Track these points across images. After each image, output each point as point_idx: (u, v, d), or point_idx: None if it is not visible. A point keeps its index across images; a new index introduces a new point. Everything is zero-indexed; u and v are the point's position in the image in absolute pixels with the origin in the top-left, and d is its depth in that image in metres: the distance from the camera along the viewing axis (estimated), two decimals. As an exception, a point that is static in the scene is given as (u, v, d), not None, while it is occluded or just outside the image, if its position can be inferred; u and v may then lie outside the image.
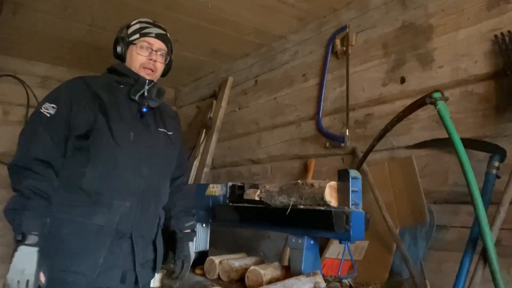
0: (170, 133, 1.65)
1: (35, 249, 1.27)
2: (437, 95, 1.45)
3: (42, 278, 1.28)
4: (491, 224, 1.37)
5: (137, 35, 1.56)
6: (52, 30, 2.67)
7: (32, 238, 1.26)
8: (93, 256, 1.38)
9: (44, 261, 1.29)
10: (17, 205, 1.30)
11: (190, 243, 1.73)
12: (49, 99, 1.45)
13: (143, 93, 1.53)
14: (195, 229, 1.80)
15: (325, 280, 1.47)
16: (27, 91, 3.27)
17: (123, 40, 1.58)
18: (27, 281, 1.23)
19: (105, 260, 1.39)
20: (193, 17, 2.48)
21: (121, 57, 1.60)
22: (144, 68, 1.56)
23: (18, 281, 1.23)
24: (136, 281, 1.48)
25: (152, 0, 2.27)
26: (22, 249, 1.26)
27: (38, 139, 1.38)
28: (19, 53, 3.14)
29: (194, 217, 1.82)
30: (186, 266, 1.69)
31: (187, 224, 1.75)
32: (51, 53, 3.12)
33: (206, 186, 2.10)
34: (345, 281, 1.55)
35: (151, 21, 1.62)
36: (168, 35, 1.64)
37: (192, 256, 1.72)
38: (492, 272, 1.30)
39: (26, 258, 1.25)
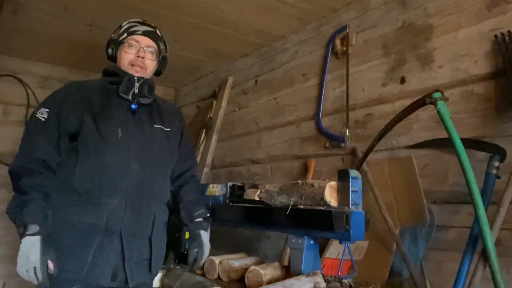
0: (168, 129, 1.64)
1: (38, 237, 1.30)
2: (437, 95, 1.45)
3: (51, 265, 1.32)
4: (491, 224, 1.37)
5: (125, 34, 1.59)
6: (52, 30, 2.67)
7: (33, 228, 1.30)
8: (81, 254, 1.40)
9: (49, 248, 1.33)
10: (17, 202, 1.35)
11: (203, 232, 1.65)
12: (43, 104, 1.52)
13: (134, 91, 1.54)
14: (208, 218, 1.71)
15: (325, 280, 1.47)
16: (27, 91, 3.27)
17: (114, 42, 1.62)
18: (34, 268, 1.28)
19: (95, 258, 1.40)
20: (193, 17, 2.48)
21: (113, 58, 1.63)
22: (133, 65, 1.57)
23: (27, 270, 1.28)
24: (127, 280, 1.46)
25: (152, 0, 2.27)
26: (25, 239, 1.30)
27: (35, 142, 1.44)
28: (19, 53, 3.14)
29: (204, 207, 1.73)
30: (200, 255, 1.61)
31: (197, 213, 1.67)
32: (51, 53, 3.12)
33: (206, 186, 2.10)
34: (345, 281, 1.55)
35: (141, 20, 1.64)
36: (158, 32, 1.65)
37: (207, 244, 1.64)
38: (492, 272, 1.30)
39: (30, 247, 1.29)
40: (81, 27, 2.63)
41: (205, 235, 1.66)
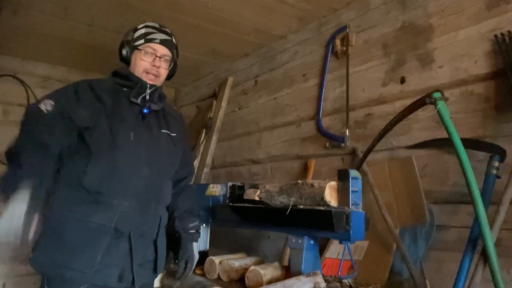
0: (174, 134, 1.66)
1: (26, 192, 1.29)
2: (437, 95, 1.45)
3: (35, 221, 1.31)
4: (491, 224, 1.37)
5: (142, 41, 1.57)
6: (52, 30, 2.67)
7: (25, 183, 1.29)
8: (91, 254, 1.40)
9: (40, 205, 1.32)
10: (7, 173, 1.35)
11: (194, 244, 1.74)
12: (50, 95, 1.48)
13: (145, 96, 1.55)
14: (199, 230, 1.80)
15: (325, 280, 1.47)
16: (27, 91, 3.27)
17: (129, 44, 1.59)
18: (16, 227, 1.27)
19: (103, 258, 1.41)
20: (193, 17, 2.48)
21: (126, 61, 1.61)
22: (147, 73, 1.57)
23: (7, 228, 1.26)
24: (133, 281, 1.48)
25: (152, 0, 2.27)
26: (13, 196, 1.28)
27: (35, 129, 1.42)
28: (19, 53, 3.14)
29: (198, 218, 1.82)
30: (190, 267, 1.71)
31: (191, 225, 1.75)
32: (51, 53, 3.12)
33: (206, 186, 2.10)
34: (345, 281, 1.55)
35: (158, 25, 1.62)
36: (173, 40, 1.64)
37: (196, 256, 1.73)
38: (492, 272, 1.30)
39: (16, 201, 1.28)
40: (81, 27, 2.63)
41: (195, 247, 1.74)
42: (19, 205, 1.28)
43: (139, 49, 1.57)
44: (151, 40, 1.57)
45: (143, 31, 1.59)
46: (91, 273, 1.39)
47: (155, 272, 1.59)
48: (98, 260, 1.40)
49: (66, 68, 3.42)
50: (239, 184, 2.00)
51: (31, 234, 1.31)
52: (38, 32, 2.71)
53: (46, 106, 1.43)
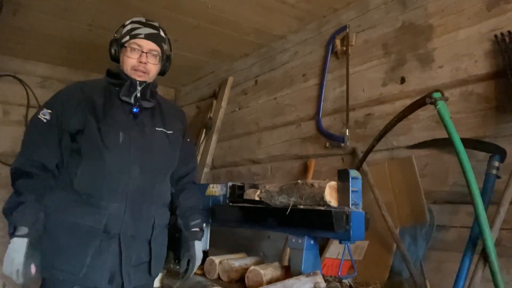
0: (170, 132, 1.63)
1: (25, 240, 1.33)
2: (437, 95, 1.44)
3: (33, 269, 1.34)
4: (491, 224, 1.37)
5: (128, 37, 1.55)
6: (52, 30, 2.67)
7: (22, 230, 1.33)
8: (80, 256, 1.40)
9: (35, 252, 1.35)
10: (11, 202, 1.38)
11: (197, 242, 1.68)
12: (46, 105, 1.52)
13: (136, 94, 1.53)
14: (203, 228, 1.74)
15: (325, 280, 1.47)
16: (27, 91, 3.27)
17: (116, 42, 1.58)
18: (17, 271, 1.31)
19: (93, 260, 1.40)
20: (193, 17, 2.48)
21: (116, 59, 1.60)
22: (135, 70, 1.54)
23: (11, 272, 1.32)
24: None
25: (152, 0, 2.27)
26: (13, 240, 1.34)
27: (35, 144, 1.47)
28: (19, 53, 3.14)
29: (201, 216, 1.76)
30: (191, 267, 1.65)
31: (193, 223, 1.69)
32: (51, 53, 3.12)
33: (206, 186, 2.10)
34: (345, 281, 1.55)
35: (144, 20, 1.59)
36: (161, 33, 1.60)
37: (199, 256, 1.67)
38: (492, 272, 1.30)
39: (16, 249, 1.32)
40: (81, 27, 2.63)
41: (198, 246, 1.68)
42: (19, 244, 1.33)
43: (125, 46, 1.55)
44: (135, 36, 1.53)
45: (128, 27, 1.57)
46: (81, 275, 1.39)
47: (150, 274, 1.56)
48: (87, 262, 1.39)
49: (66, 68, 3.42)
50: (239, 184, 2.00)
51: (31, 273, 1.34)
52: (38, 32, 2.71)
53: (45, 115, 1.48)
